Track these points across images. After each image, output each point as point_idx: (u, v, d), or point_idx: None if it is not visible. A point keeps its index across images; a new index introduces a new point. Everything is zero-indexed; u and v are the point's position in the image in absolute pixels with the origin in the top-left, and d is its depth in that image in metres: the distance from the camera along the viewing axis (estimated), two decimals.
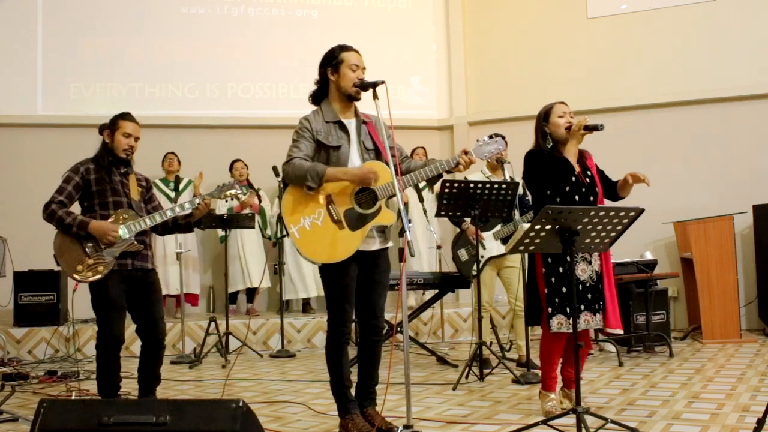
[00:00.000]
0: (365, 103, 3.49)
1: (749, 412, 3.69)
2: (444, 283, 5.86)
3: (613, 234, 3.26)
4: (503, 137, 3.84)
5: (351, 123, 3.53)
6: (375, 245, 3.50)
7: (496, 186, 4.74)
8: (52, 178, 4.10)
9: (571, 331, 3.54)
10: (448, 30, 8.76)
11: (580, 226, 3.13)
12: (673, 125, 7.64)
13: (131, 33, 8.13)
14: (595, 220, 3.12)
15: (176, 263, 6.56)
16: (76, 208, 4.00)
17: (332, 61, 3.49)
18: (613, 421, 3.28)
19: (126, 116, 4.07)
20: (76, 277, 3.85)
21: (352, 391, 3.53)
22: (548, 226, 3.11)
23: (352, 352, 3.87)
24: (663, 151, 7.58)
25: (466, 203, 4.78)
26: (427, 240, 7.36)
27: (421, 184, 4.33)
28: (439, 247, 6.84)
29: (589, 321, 3.76)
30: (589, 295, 3.76)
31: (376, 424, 3.41)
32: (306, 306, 7.68)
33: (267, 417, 3.96)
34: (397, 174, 3.23)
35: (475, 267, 5.09)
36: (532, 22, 8.39)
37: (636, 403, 4.08)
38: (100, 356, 3.91)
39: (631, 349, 5.93)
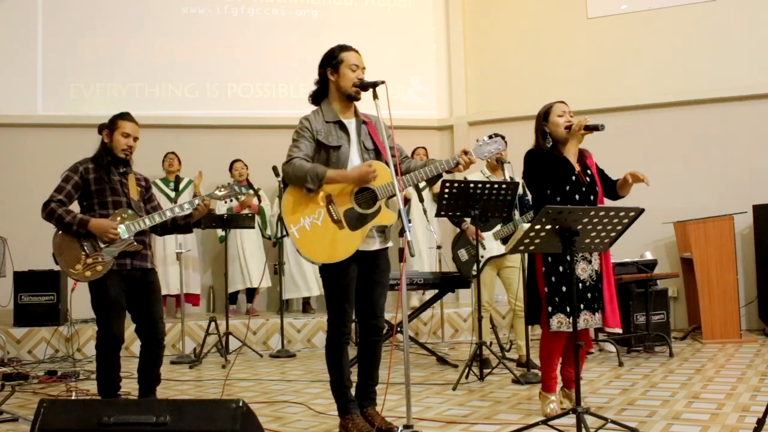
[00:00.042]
0: (365, 103, 3.49)
1: (749, 412, 3.69)
2: (444, 283, 5.86)
3: (613, 234, 3.26)
4: (503, 137, 3.84)
5: (351, 123, 3.53)
6: (375, 245, 3.50)
7: (496, 186, 4.74)
8: (52, 178, 4.09)
9: (570, 330, 3.54)
10: (448, 30, 8.76)
11: (580, 226, 3.13)
12: (673, 125, 7.64)
13: (131, 33, 8.13)
14: (595, 220, 3.12)
15: (176, 263, 6.56)
16: (75, 207, 3.99)
17: (332, 61, 3.49)
18: (613, 421, 3.28)
19: (125, 116, 4.07)
20: (74, 275, 3.85)
21: (352, 391, 3.53)
22: (548, 226, 3.11)
23: (352, 352, 3.87)
24: (663, 151, 7.58)
25: (466, 203, 4.78)
26: (427, 240, 7.36)
27: (421, 184, 4.33)
28: (439, 247, 6.83)
29: (588, 320, 3.76)
30: (589, 295, 3.76)
31: (376, 424, 3.40)
32: (306, 306, 7.68)
33: (267, 417, 3.96)
34: (397, 174, 3.23)
35: (475, 267, 5.09)
36: (532, 22, 8.39)
37: (636, 403, 4.08)
38: (100, 356, 3.91)
39: (631, 349, 5.93)
